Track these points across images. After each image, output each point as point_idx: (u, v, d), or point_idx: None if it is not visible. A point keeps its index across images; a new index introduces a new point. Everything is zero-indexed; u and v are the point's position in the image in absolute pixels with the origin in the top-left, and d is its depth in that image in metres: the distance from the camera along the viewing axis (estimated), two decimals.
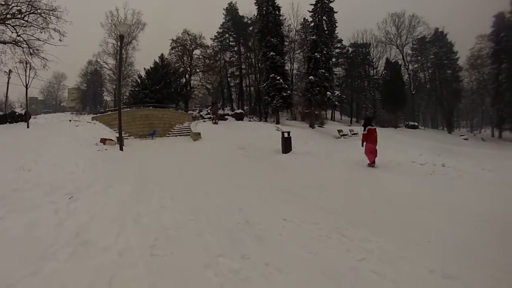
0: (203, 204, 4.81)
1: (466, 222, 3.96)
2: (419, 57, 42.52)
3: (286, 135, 11.78)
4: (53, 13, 18.36)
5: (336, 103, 27.63)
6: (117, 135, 12.53)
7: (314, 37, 26.25)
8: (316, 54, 25.24)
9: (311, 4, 27.91)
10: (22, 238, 3.16)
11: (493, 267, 2.72)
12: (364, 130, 8.93)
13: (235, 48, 36.35)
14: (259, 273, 2.69)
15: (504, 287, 2.49)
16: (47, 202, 4.19)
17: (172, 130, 19.57)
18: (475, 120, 57.32)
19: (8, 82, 22.59)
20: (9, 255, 2.77)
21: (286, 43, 30.80)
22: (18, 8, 17.67)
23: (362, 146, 8.85)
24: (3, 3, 16.94)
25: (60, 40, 18.78)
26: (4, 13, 17.26)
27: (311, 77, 25.13)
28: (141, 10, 35.47)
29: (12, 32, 18.06)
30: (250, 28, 34.55)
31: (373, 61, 42.36)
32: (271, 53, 25.20)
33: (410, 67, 42.46)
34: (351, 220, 4.08)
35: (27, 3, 17.76)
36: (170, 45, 31.13)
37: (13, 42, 18.17)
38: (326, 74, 25.28)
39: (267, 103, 26.31)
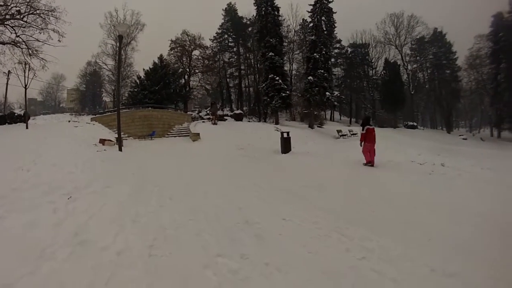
0: (202, 204, 4.79)
1: (466, 222, 3.95)
2: (418, 57, 42.63)
3: (285, 135, 11.78)
4: (52, 14, 18.40)
5: (335, 103, 27.67)
6: (116, 135, 12.52)
7: (313, 37, 26.30)
8: (315, 54, 25.27)
9: (310, 5, 27.98)
10: (20, 237, 3.15)
11: (493, 266, 2.71)
12: (363, 129, 9.05)
13: (234, 49, 36.39)
14: (258, 272, 2.68)
15: (504, 286, 2.48)
16: (45, 202, 4.18)
17: (171, 131, 19.55)
18: (474, 120, 57.38)
19: (7, 83, 22.58)
20: (7, 255, 2.76)
21: (285, 44, 30.87)
22: (17, 8, 17.68)
23: (361, 145, 8.99)
24: (2, 3, 16.94)
25: (59, 40, 18.83)
26: (3, 14, 17.26)
27: (310, 77, 25.16)
28: (140, 10, 35.56)
29: (11, 33, 18.09)
30: (249, 29, 34.58)
31: (372, 61, 42.43)
32: (270, 54, 25.23)
33: (409, 67, 42.55)
34: (351, 220, 4.06)
35: (26, 3, 17.78)
36: (169, 46, 31.20)
37: (12, 43, 18.18)
38: (325, 74, 25.32)
39: (266, 103, 26.31)
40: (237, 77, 36.77)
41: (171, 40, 31.04)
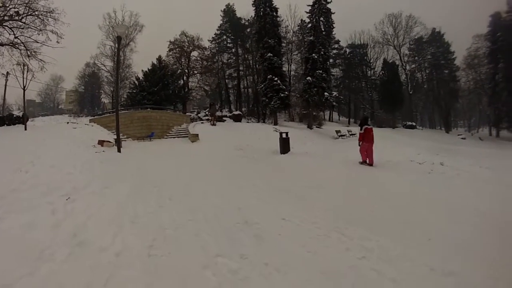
0: (202, 204, 4.79)
1: (465, 221, 3.95)
2: (416, 57, 42.65)
3: (284, 135, 11.77)
4: (50, 15, 18.39)
5: (334, 103, 27.68)
6: (115, 137, 12.49)
7: (311, 38, 26.27)
8: (313, 55, 25.27)
9: (308, 5, 27.96)
10: (19, 238, 3.15)
11: (492, 266, 2.71)
12: (361, 129, 9.16)
13: (233, 50, 36.36)
14: (258, 272, 2.68)
15: (503, 285, 2.48)
16: (44, 203, 4.17)
17: (170, 132, 19.53)
18: (472, 120, 57.50)
19: (5, 85, 22.52)
20: (6, 256, 2.77)
21: (283, 44, 30.90)
22: (16, 10, 17.66)
23: (359, 145, 9.07)
24: (0, 4, 16.91)
25: (57, 42, 18.81)
26: (1, 15, 17.24)
27: (308, 78, 25.16)
28: (138, 12, 35.60)
29: (10, 34, 18.05)
30: (248, 30, 34.58)
31: (371, 61, 42.43)
32: (269, 54, 25.24)
33: (408, 67, 42.56)
34: (350, 219, 4.06)
35: (25, 5, 17.76)
36: (168, 47, 31.15)
37: (11, 44, 18.15)
38: (324, 75, 25.33)
39: (265, 104, 26.30)
40: (235, 78, 36.74)
41: (170, 41, 31.04)
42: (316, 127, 26.97)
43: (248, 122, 27.34)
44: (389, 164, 8.72)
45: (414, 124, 37.30)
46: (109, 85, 37.48)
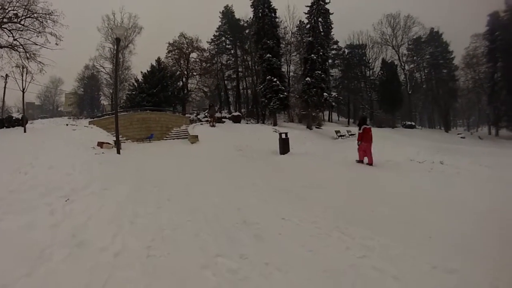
0: (201, 204, 4.76)
1: (465, 219, 3.94)
2: (415, 57, 42.75)
3: (283, 136, 11.75)
4: (49, 17, 18.46)
5: (333, 104, 27.70)
6: (114, 138, 12.48)
7: (310, 38, 26.31)
8: (312, 55, 25.31)
9: (307, 6, 28.08)
10: (18, 239, 3.14)
11: (493, 264, 2.70)
12: (360, 129, 9.17)
13: (232, 51, 36.40)
14: (258, 272, 2.66)
15: (504, 283, 2.47)
16: (43, 204, 4.17)
17: (170, 133, 19.52)
18: (471, 119, 57.47)
19: (5, 87, 22.55)
20: (5, 256, 2.76)
21: (282, 45, 30.92)
22: (15, 12, 17.71)
23: (358, 144, 9.09)
24: None
25: (56, 44, 18.90)
26: (0, 17, 17.25)
27: (307, 78, 25.20)
28: (137, 14, 35.51)
29: (9, 36, 18.13)
30: (247, 31, 34.65)
31: (369, 62, 42.50)
32: (268, 55, 25.25)
33: (406, 67, 42.69)
34: (351, 219, 4.05)
35: (24, 7, 17.82)
36: (167, 49, 31.19)
37: (10, 46, 18.19)
38: (323, 75, 25.36)
39: (264, 105, 26.30)
40: (235, 79, 36.74)
41: (169, 43, 31.08)
42: (316, 127, 26.97)
43: (247, 123, 27.33)
44: (389, 163, 8.71)
45: (413, 124, 37.33)
46: (109, 87, 37.48)
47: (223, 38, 36.30)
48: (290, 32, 35.80)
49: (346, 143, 15.56)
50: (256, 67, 32.19)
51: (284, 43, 32.86)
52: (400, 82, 39.28)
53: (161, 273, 2.61)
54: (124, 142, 15.47)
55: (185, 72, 31.30)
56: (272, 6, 27.03)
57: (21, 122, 15.82)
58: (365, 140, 8.87)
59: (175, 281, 2.49)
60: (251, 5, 27.72)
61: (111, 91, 35.06)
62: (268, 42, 25.52)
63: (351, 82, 42.05)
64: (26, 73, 15.95)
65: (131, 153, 11.70)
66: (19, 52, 18.35)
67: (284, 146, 11.57)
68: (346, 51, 41.77)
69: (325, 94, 25.19)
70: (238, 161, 10.45)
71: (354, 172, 7.93)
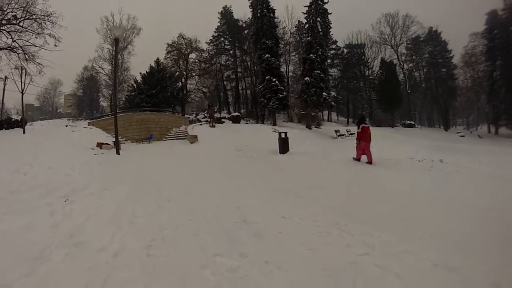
0: (201, 204, 4.75)
1: (465, 216, 3.95)
2: (413, 57, 42.76)
3: (283, 135, 11.74)
4: (48, 19, 18.45)
5: (332, 103, 27.68)
6: (114, 139, 12.46)
7: (309, 38, 26.28)
8: (311, 55, 25.29)
9: (305, 6, 28.10)
10: (18, 239, 3.14)
11: (493, 261, 2.71)
12: (358, 128, 9.24)
13: (231, 52, 36.43)
14: (257, 270, 2.65)
15: (505, 279, 2.47)
16: (42, 204, 4.16)
17: (169, 134, 19.49)
18: (471, 118, 57.58)
19: (4, 89, 22.55)
20: (5, 257, 2.75)
21: (281, 45, 30.92)
22: (13, 13, 17.69)
23: (357, 143, 9.15)
24: None
25: (55, 45, 18.89)
26: None
27: (306, 78, 25.19)
28: (136, 15, 35.57)
29: (8, 38, 18.12)
30: (245, 31, 34.67)
31: (368, 61, 42.58)
32: (267, 55, 25.25)
33: (405, 66, 42.72)
34: (351, 217, 4.05)
35: (22, 8, 17.80)
36: (166, 50, 31.13)
37: (9, 48, 18.18)
38: (322, 75, 25.34)
39: (263, 105, 26.29)
40: (234, 79, 36.74)
41: (168, 44, 31.03)
42: (315, 127, 26.96)
43: (247, 123, 27.34)
44: (389, 162, 8.71)
45: (412, 123, 37.32)
46: (108, 88, 37.48)
47: (222, 39, 36.32)
48: (289, 32, 35.90)
49: (346, 143, 15.55)
50: (255, 67, 32.20)
51: (283, 43, 32.88)
52: (399, 81, 39.31)
53: (160, 273, 2.60)
54: (124, 142, 15.45)
55: (184, 72, 31.24)
56: (271, 6, 27.05)
57: (20, 124, 15.82)
58: (364, 139, 8.92)
59: (175, 281, 2.48)
60: (249, 6, 27.76)
61: (110, 92, 35.06)
62: (267, 42, 25.52)
63: (350, 82, 42.12)
64: (25, 75, 15.96)
65: (131, 154, 11.68)
66: (18, 53, 18.36)
67: (284, 145, 11.56)
68: (345, 50, 41.86)
69: (324, 93, 25.18)
70: (237, 161, 10.44)
71: (353, 171, 7.94)
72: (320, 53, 25.56)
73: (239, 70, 36.11)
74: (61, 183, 5.40)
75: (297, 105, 30.32)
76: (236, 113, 28.80)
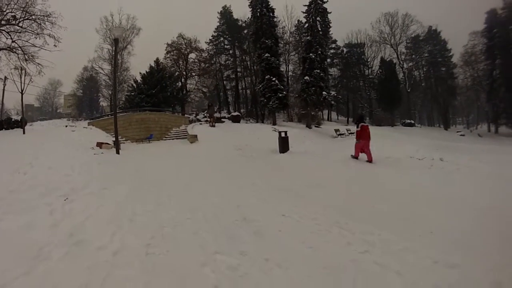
0: (201, 203, 4.75)
1: (465, 215, 3.95)
2: (413, 56, 42.76)
3: (283, 135, 11.74)
4: (47, 19, 18.44)
5: (332, 103, 27.66)
6: (114, 139, 12.46)
7: (308, 37, 26.27)
8: (311, 54, 25.28)
9: (305, 5, 28.10)
10: (17, 238, 3.14)
11: (493, 259, 2.70)
12: (357, 127, 9.27)
13: (230, 51, 36.41)
14: (257, 269, 2.65)
15: (505, 277, 2.47)
16: (42, 204, 4.16)
17: (169, 134, 19.48)
18: (471, 116, 57.54)
19: (3, 89, 22.56)
20: (5, 256, 2.75)
21: (280, 45, 30.91)
22: (13, 14, 17.68)
23: (357, 142, 9.14)
24: None
25: (55, 45, 18.88)
26: None
27: (306, 77, 25.18)
28: (136, 15, 35.60)
29: (7, 39, 18.12)
30: (245, 31, 34.64)
31: (368, 60, 42.58)
32: (266, 55, 25.24)
33: (405, 65, 42.72)
34: (351, 215, 4.04)
35: (22, 9, 17.79)
36: (165, 49, 31.11)
37: (8, 49, 18.18)
38: (321, 74, 25.32)
39: (263, 104, 26.29)
40: (233, 79, 36.70)
41: (167, 44, 31.01)
42: (315, 126, 26.96)
43: (247, 123, 27.32)
44: (389, 160, 8.70)
45: (412, 122, 37.36)
46: (107, 88, 37.46)
47: (222, 39, 36.30)
48: (289, 31, 35.86)
49: (346, 142, 15.54)
50: (254, 67, 32.20)
51: (282, 42, 32.87)
52: (399, 81, 39.35)
53: (160, 271, 2.60)
54: (124, 142, 15.45)
55: (184, 72, 31.22)
56: (270, 6, 27.05)
57: (20, 124, 15.82)
58: (363, 138, 8.93)
59: (175, 279, 2.47)
60: (249, 5, 27.76)
61: (110, 92, 35.05)
62: (267, 41, 25.51)
63: (350, 81, 42.11)
64: (25, 75, 15.98)
65: (130, 154, 11.67)
66: (18, 54, 18.36)
67: (284, 145, 11.56)
68: (345, 50, 41.86)
69: (324, 93, 25.16)
70: (237, 161, 10.44)
71: (353, 170, 7.92)
72: (319, 52, 25.55)
73: (238, 69, 36.09)
74: (61, 182, 5.40)
75: (297, 104, 30.31)
76: (236, 113, 28.80)
